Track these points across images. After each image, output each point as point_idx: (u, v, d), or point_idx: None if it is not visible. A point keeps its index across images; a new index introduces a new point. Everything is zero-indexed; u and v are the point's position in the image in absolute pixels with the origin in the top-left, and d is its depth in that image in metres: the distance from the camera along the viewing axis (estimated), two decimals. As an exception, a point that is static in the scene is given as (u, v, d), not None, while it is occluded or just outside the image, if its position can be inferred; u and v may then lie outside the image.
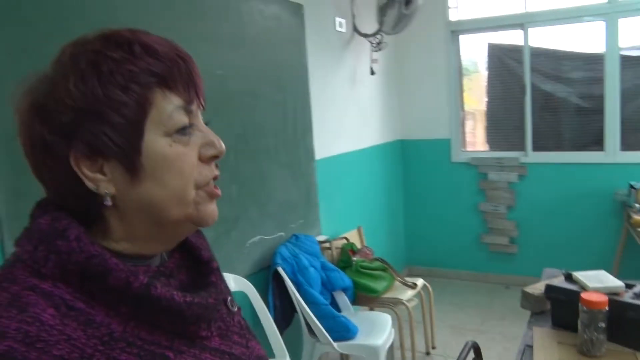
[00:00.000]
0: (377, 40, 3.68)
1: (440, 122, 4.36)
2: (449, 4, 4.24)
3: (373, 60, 3.77)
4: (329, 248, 2.97)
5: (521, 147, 4.12)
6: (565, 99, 3.99)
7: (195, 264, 0.70)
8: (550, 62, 4.00)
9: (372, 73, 3.78)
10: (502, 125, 4.27)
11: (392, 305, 2.78)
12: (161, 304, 0.56)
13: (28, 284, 0.51)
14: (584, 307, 1.51)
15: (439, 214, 4.48)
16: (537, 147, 4.07)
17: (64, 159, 0.55)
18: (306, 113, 3.07)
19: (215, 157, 0.61)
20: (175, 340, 0.59)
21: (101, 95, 0.54)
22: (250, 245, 2.54)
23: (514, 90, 4.13)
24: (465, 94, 4.44)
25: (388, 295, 2.83)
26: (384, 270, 2.95)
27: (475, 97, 4.57)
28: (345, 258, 2.93)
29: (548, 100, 4.03)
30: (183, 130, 0.58)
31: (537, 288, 1.90)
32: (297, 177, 2.97)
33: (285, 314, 2.53)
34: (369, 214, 3.89)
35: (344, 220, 3.46)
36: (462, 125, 4.41)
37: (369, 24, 3.66)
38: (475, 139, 4.55)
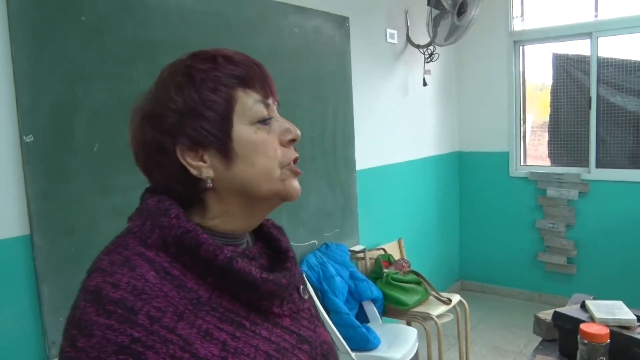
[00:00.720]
0: (429, 52, 3.65)
1: (499, 134, 4.22)
2: (513, 14, 4.10)
3: (426, 72, 3.74)
4: (363, 258, 3.00)
5: (584, 162, 3.90)
6: (636, 112, 3.72)
7: (275, 252, 0.80)
8: (621, 73, 3.75)
9: (425, 84, 3.75)
10: (565, 140, 4.05)
11: (421, 319, 2.75)
12: (240, 276, 0.65)
13: (137, 251, 0.64)
14: (584, 340, 1.44)
15: (494, 229, 4.33)
16: (601, 164, 3.82)
17: (172, 154, 0.68)
18: (348, 124, 3.12)
19: (293, 140, 0.72)
20: (252, 313, 0.68)
21: (197, 98, 0.67)
22: (280, 251, 2.62)
23: (579, 102, 3.91)
24: (527, 106, 4.27)
25: (419, 309, 2.80)
26: (417, 283, 2.92)
27: (539, 109, 4.38)
28: (377, 269, 2.94)
29: (616, 113, 3.77)
30: (264, 121, 0.70)
31: (550, 314, 1.82)
32: (334, 186, 3.02)
33: (310, 320, 2.58)
34: (416, 226, 3.85)
35: (385, 232, 3.46)
36: (523, 138, 4.23)
37: (423, 35, 3.64)
38: (537, 153, 4.35)
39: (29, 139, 1.63)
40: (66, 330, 0.61)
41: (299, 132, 0.73)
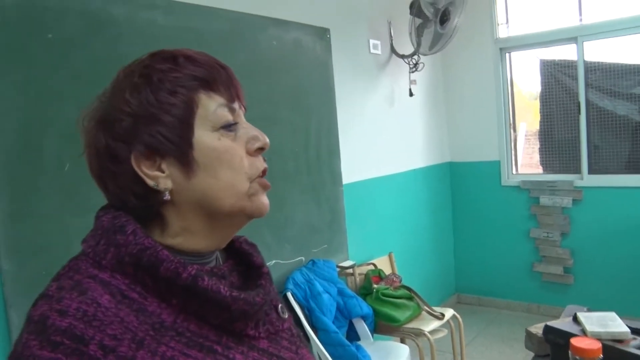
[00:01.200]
0: (414, 61, 3.60)
1: (489, 143, 4.16)
2: (498, 21, 4.07)
3: (411, 82, 3.69)
4: (352, 274, 2.91)
5: (577, 169, 3.83)
6: (626, 116, 3.66)
7: (247, 269, 0.74)
8: (608, 77, 3.70)
9: (411, 94, 3.69)
10: (556, 146, 3.98)
11: (414, 335, 2.66)
12: (207, 295, 0.59)
13: (89, 273, 0.58)
14: (575, 355, 1.36)
15: (489, 239, 4.25)
16: (594, 170, 3.76)
17: (127, 162, 0.62)
18: (332, 137, 3.05)
19: (260, 149, 0.66)
20: (223, 336, 0.62)
21: (153, 100, 0.61)
22: (264, 270, 2.54)
23: (569, 108, 3.86)
24: (522, 115, 4.22)
25: (411, 325, 2.71)
26: (409, 298, 2.84)
27: (528, 116, 4.32)
28: (367, 285, 2.85)
29: (606, 118, 3.72)
30: (229, 127, 0.64)
31: (542, 328, 1.73)
32: (320, 201, 2.95)
33: (297, 340, 2.49)
34: (408, 240, 3.76)
35: (375, 246, 3.38)
36: (514, 146, 4.18)
37: (407, 45, 3.59)
38: (533, 161, 4.29)
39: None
40: None
41: (267, 140, 0.67)
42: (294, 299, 2.43)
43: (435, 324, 2.72)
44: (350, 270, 2.92)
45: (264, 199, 0.67)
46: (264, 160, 0.68)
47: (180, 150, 0.62)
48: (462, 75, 4.23)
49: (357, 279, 2.91)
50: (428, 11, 3.23)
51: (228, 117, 0.65)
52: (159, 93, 0.61)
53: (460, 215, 4.40)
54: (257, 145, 0.66)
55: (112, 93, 0.64)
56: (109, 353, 0.52)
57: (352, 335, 2.69)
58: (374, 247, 3.36)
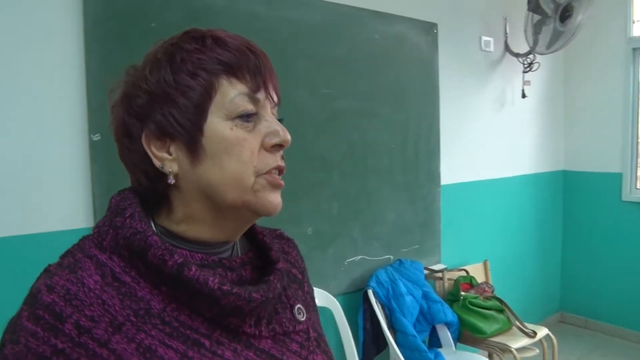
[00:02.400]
0: (528, 61, 3.37)
1: (611, 153, 3.77)
2: (634, 17, 3.67)
3: (525, 82, 3.46)
4: (441, 278, 2.81)
5: None
6: None
7: (266, 263, 0.70)
8: None
9: (523, 96, 3.47)
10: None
11: (499, 350, 2.51)
12: (192, 286, 0.56)
13: (89, 253, 0.58)
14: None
15: (603, 258, 3.86)
16: None
17: (139, 140, 0.61)
18: (433, 136, 2.96)
19: (279, 145, 0.62)
20: (216, 331, 0.59)
21: (171, 80, 0.59)
22: (349, 264, 2.54)
23: None
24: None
25: (498, 339, 2.55)
26: (500, 311, 2.68)
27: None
28: (455, 291, 2.73)
29: None
30: (247, 117, 0.61)
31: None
32: (415, 201, 2.88)
33: (376, 338, 2.46)
34: (507, 249, 3.55)
35: (470, 252, 3.23)
36: (638, 158, 3.76)
37: (521, 43, 3.38)
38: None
39: (96, 137, 1.71)
40: (3, 333, 0.55)
41: (288, 137, 0.62)
42: (375, 297, 2.40)
43: (525, 341, 2.54)
44: (440, 275, 2.82)
45: (272, 197, 0.62)
46: (283, 158, 0.63)
47: (189, 135, 0.59)
48: (585, 77, 3.88)
49: (446, 284, 2.81)
50: (547, 7, 3.00)
51: (247, 106, 0.61)
52: (179, 74, 0.59)
53: (572, 229, 4.05)
54: (275, 140, 0.62)
55: (137, 68, 0.63)
56: (84, 334, 0.52)
57: (434, 341, 2.60)
58: (468, 253, 3.21)
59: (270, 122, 0.62)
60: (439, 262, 3.03)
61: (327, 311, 2.32)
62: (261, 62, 0.62)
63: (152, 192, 0.64)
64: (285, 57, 2.23)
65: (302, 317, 0.69)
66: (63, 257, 0.59)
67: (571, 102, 3.98)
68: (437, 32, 2.94)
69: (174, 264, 0.56)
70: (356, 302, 2.51)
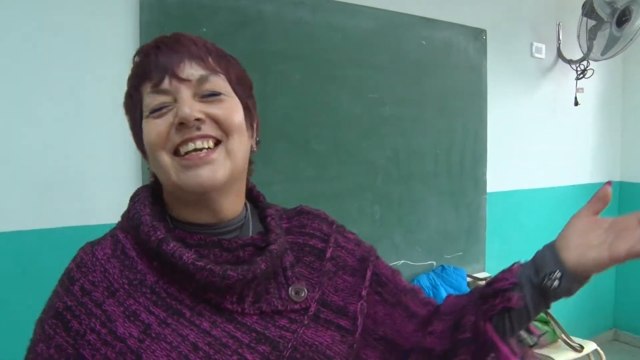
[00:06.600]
0: (582, 68, 3.28)
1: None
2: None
3: (578, 90, 3.37)
4: (485, 287, 2.76)
5: None
6: None
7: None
8: None
9: (576, 104, 3.38)
10: None
11: (543, 363, 2.45)
12: (169, 259, 0.62)
13: (113, 232, 0.69)
14: None
15: (661, 274, 3.70)
16: None
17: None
18: (479, 143, 2.93)
19: (179, 123, 0.63)
20: (200, 304, 0.63)
21: (130, 104, 0.70)
22: (391, 268, 2.54)
23: None
24: None
25: (542, 351, 2.49)
26: (545, 322, 2.61)
27: None
28: (499, 300, 2.68)
29: None
30: (159, 110, 0.64)
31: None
32: (459, 207, 2.85)
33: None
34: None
35: (517, 261, 3.16)
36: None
37: (574, 50, 3.29)
38: None
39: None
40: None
41: (181, 113, 0.62)
42: (417, 301, 2.40)
43: (571, 355, 2.47)
44: (483, 283, 2.77)
45: (190, 174, 0.63)
46: (188, 132, 0.63)
47: (138, 143, 0.71)
48: (644, 85, 3.74)
49: (490, 293, 2.76)
50: (603, 11, 2.92)
51: (155, 100, 0.64)
52: (128, 99, 0.70)
53: (627, 242, 3.88)
54: (176, 119, 0.63)
55: None
56: (85, 295, 0.62)
57: (477, 349, 2.56)
58: (515, 262, 3.14)
59: (179, 104, 0.63)
60: (483, 270, 2.99)
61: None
62: (166, 52, 0.64)
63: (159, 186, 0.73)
64: (331, 63, 2.28)
65: (300, 297, 0.69)
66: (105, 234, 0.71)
67: (629, 110, 3.84)
68: (485, 38, 2.91)
69: (155, 239, 0.63)
70: (397, 307, 2.51)
